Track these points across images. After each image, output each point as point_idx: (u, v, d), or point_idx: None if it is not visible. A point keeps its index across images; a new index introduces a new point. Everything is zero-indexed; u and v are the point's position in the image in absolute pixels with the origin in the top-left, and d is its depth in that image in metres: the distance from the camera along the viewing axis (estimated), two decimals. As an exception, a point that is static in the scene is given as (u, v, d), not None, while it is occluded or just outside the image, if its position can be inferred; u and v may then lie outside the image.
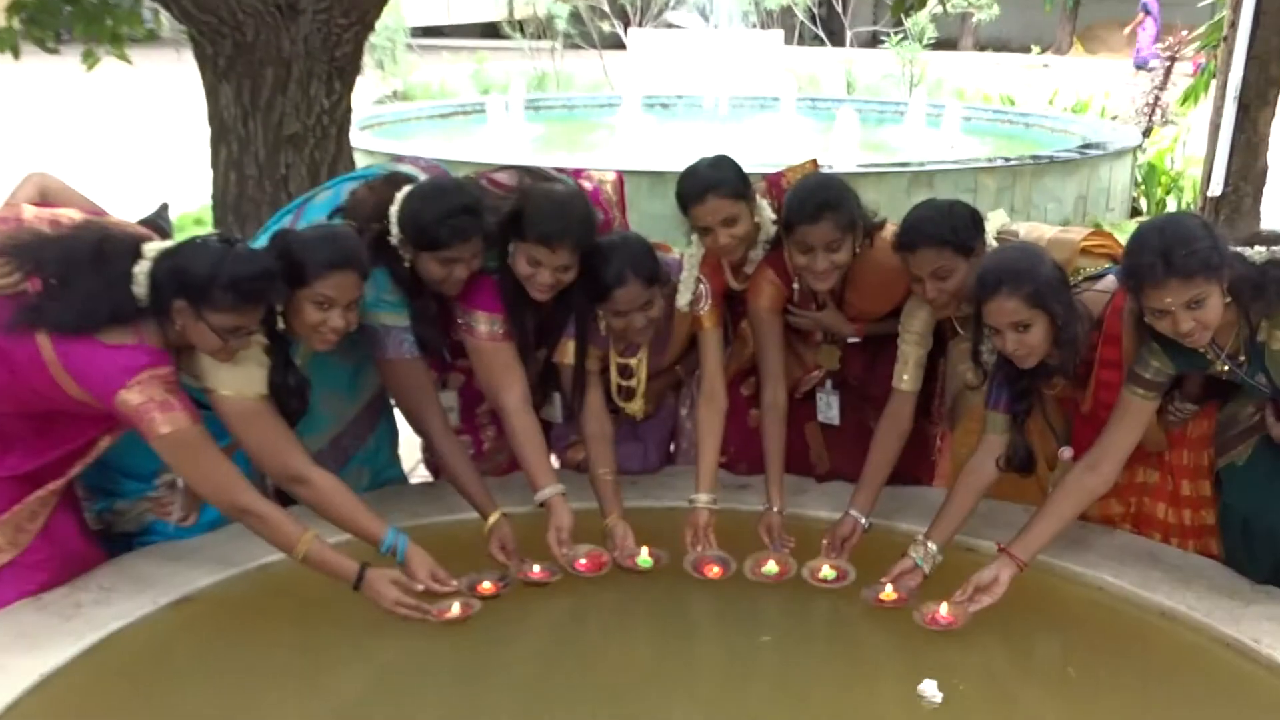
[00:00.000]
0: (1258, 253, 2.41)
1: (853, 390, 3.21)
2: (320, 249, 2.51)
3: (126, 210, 2.96)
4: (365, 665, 2.44)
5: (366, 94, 11.30)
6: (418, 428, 2.94)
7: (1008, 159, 8.14)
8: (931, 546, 2.64)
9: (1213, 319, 2.35)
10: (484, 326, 2.84)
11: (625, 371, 3.04)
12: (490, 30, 17.47)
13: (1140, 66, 14.08)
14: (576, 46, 15.08)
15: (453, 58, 15.39)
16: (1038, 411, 2.77)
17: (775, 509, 2.85)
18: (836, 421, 3.21)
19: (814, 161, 3.19)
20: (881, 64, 14.40)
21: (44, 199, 2.62)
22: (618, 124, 10.46)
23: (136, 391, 2.30)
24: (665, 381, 3.19)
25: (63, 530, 2.61)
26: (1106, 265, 2.79)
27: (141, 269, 2.36)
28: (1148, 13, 15.41)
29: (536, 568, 2.69)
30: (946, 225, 2.67)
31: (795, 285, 2.90)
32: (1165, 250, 2.28)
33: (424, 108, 11.12)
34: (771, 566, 2.75)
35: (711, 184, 2.81)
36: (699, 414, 2.96)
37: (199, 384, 2.49)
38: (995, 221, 2.88)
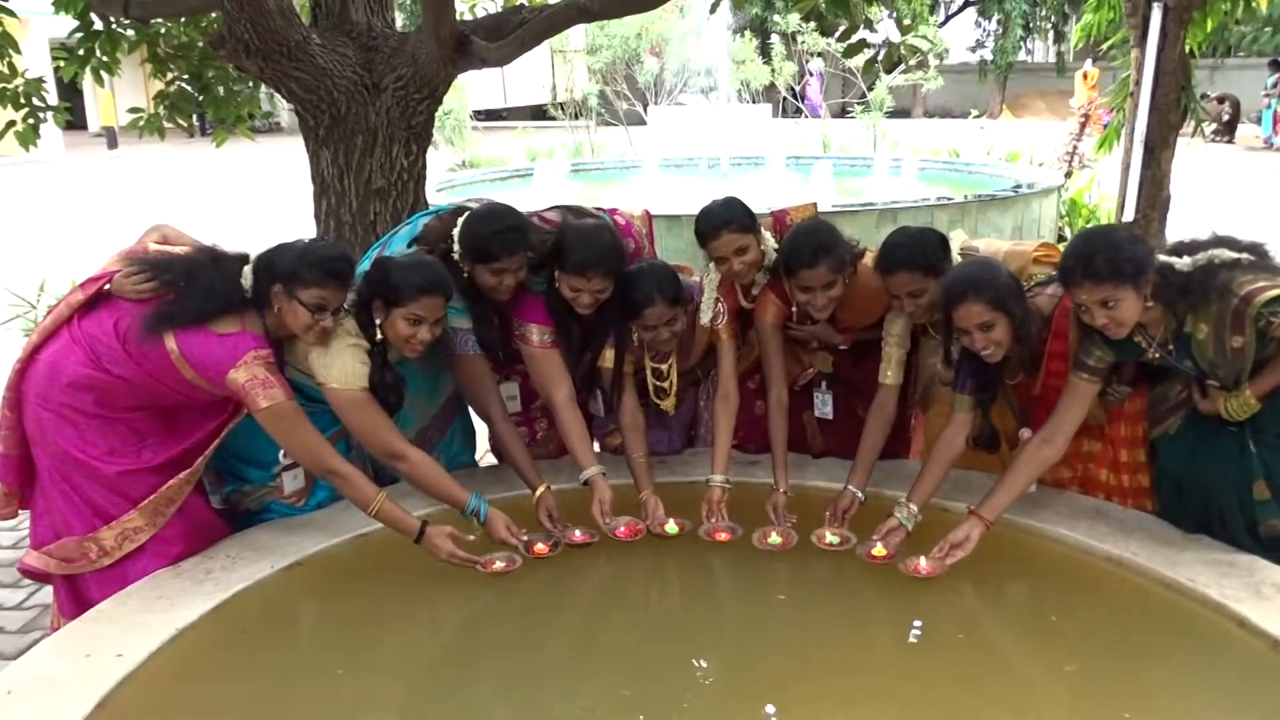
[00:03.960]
0: (1183, 261, 2.32)
1: (843, 384, 3.13)
2: (414, 275, 2.49)
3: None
4: (440, 615, 2.38)
5: (440, 164, 11.28)
6: (481, 413, 2.88)
7: (954, 198, 8.03)
8: (912, 507, 2.55)
9: (1127, 317, 2.27)
10: (536, 336, 2.79)
11: (659, 374, 2.99)
12: (538, 112, 17.52)
13: (812, 115, 15.36)
14: (607, 123, 15.10)
15: (508, 134, 15.43)
16: (1000, 397, 2.69)
17: (781, 489, 2.76)
18: (830, 416, 3.14)
19: (814, 205, 3.12)
20: (850, 130, 14.34)
21: (164, 242, 2.60)
22: (641, 181, 10.40)
23: (243, 371, 2.29)
24: (687, 380, 3.12)
25: (194, 509, 2.54)
26: (1053, 273, 2.67)
27: (247, 270, 2.39)
28: (813, 74, 16.23)
29: (578, 532, 2.63)
30: (919, 251, 2.60)
31: (794, 307, 2.83)
32: (1085, 256, 2.24)
33: (486, 173, 11.07)
34: (775, 538, 2.63)
35: (725, 220, 2.78)
36: (715, 408, 2.89)
37: (314, 380, 2.46)
38: (958, 240, 2.80)
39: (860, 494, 2.70)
